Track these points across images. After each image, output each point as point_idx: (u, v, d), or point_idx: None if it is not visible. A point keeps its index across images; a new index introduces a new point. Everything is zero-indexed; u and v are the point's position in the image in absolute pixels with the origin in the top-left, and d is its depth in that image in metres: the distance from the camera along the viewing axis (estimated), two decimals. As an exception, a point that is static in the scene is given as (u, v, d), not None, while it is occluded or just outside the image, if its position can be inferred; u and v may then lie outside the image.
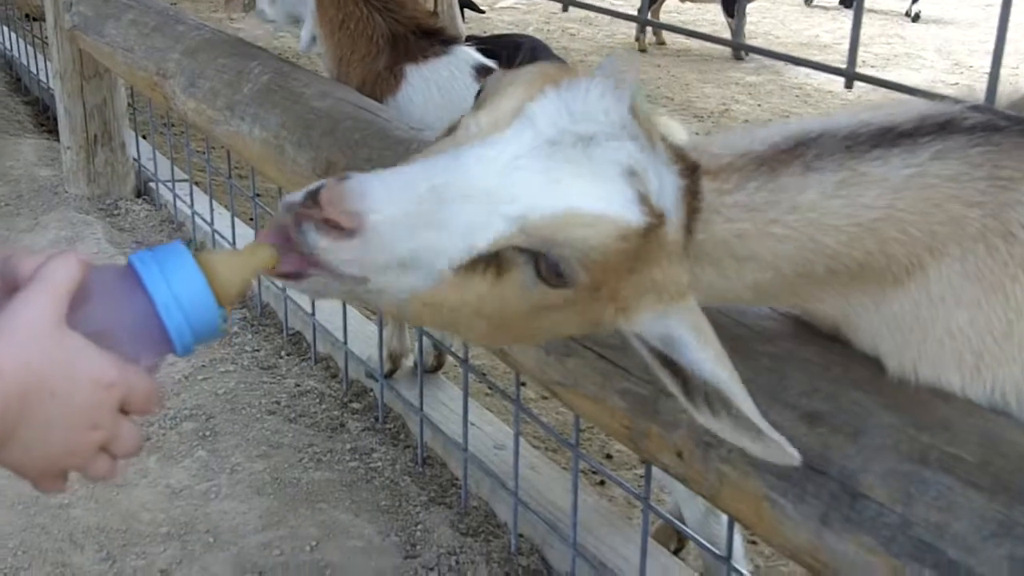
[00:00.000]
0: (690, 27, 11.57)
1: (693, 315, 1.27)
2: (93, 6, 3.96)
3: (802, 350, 1.41)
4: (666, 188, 1.22)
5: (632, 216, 1.18)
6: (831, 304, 1.38)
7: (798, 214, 1.31)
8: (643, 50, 10.57)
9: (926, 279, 1.33)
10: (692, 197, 1.27)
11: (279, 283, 1.07)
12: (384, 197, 1.15)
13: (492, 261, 1.20)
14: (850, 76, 1.55)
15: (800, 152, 1.34)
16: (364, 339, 3.33)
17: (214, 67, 3.01)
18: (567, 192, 1.17)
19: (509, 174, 1.18)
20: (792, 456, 1.18)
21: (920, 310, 1.33)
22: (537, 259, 1.20)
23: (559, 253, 1.19)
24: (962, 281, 1.33)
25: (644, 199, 1.18)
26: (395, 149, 2.28)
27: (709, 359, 1.23)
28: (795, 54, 10.75)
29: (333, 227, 1.10)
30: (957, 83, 10.38)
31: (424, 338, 2.97)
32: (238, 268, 1.08)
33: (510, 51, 4.30)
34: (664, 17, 11.20)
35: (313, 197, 1.11)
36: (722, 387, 1.21)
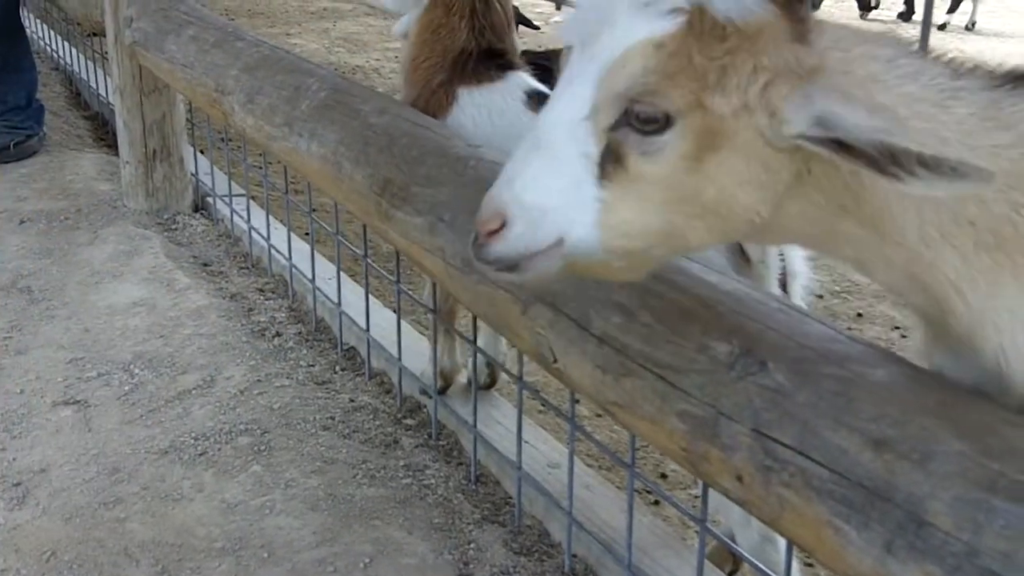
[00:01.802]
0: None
1: (837, 86, 1.22)
2: (153, 22, 4.00)
3: (870, 373, 1.38)
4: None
5: (657, 27, 1.23)
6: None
7: (941, 111, 1.26)
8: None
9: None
10: (795, 16, 1.24)
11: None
12: (507, 184, 1.32)
13: (613, 159, 1.27)
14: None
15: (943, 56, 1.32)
16: (418, 355, 3.33)
17: (272, 83, 3.03)
18: (608, 56, 1.26)
19: (572, 85, 1.29)
20: (984, 171, 1.11)
21: None
22: (635, 122, 1.25)
23: (635, 97, 1.24)
24: None
25: (670, 10, 1.23)
26: (453, 166, 2.28)
27: (864, 119, 1.17)
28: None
29: (492, 235, 1.31)
30: (1018, 97, 10.23)
31: (478, 355, 2.96)
32: None
33: (565, 66, 4.29)
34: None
35: (475, 235, 1.35)
36: (889, 140, 1.15)
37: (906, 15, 14.13)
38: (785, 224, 1.35)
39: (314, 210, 3.69)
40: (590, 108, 1.27)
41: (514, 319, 1.94)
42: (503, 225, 1.30)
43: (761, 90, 1.23)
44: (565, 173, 1.28)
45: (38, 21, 8.02)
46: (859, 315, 4.73)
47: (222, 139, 4.69)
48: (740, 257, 2.11)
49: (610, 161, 1.27)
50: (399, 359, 3.18)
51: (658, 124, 1.24)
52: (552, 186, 1.29)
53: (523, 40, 6.99)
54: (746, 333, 1.52)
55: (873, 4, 13.90)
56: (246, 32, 3.62)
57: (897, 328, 4.66)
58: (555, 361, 1.83)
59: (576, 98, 1.28)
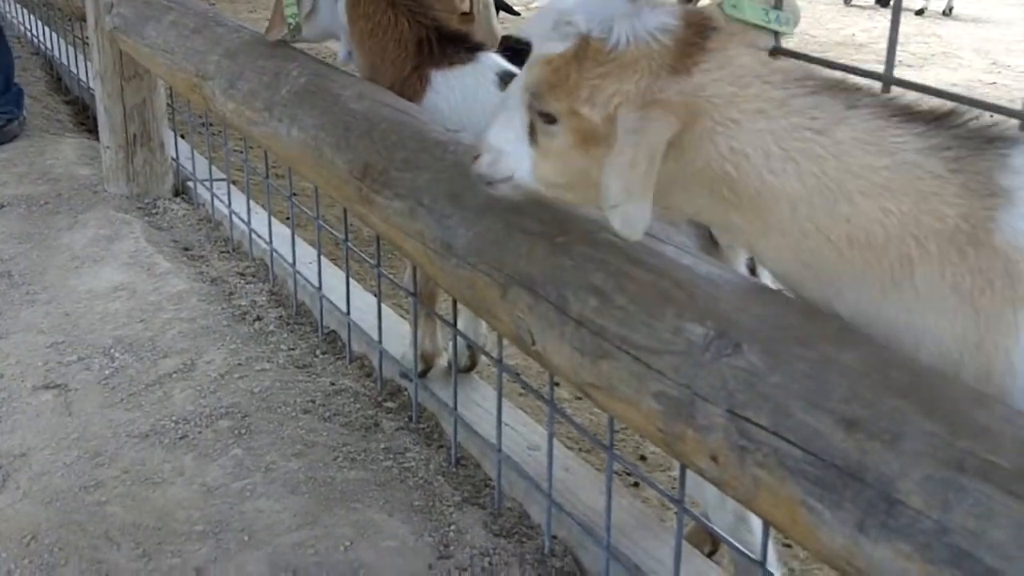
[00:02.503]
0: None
1: (656, 127, 1.50)
2: (134, 8, 3.99)
3: (841, 355, 1.40)
4: (622, 28, 1.54)
5: (553, 47, 1.58)
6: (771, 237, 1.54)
7: (824, 137, 1.49)
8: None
9: (909, 263, 1.45)
10: (687, 47, 1.53)
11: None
12: (488, 127, 1.75)
13: (533, 134, 1.65)
14: (888, 80, 1.53)
15: (855, 97, 1.52)
16: (399, 338, 3.35)
17: (253, 69, 3.03)
18: (533, 59, 1.63)
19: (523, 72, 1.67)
20: None
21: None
22: (538, 114, 1.63)
23: (535, 96, 1.62)
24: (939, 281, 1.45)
25: (571, 36, 1.57)
26: (432, 151, 2.29)
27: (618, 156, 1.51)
28: (831, 53, 10.70)
29: (475, 160, 1.77)
30: (995, 82, 10.29)
31: (458, 338, 2.97)
32: None
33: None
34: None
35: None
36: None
37: (884, 0, 14.18)
38: (677, 207, 1.65)
39: (295, 194, 3.70)
40: (520, 90, 1.66)
41: (493, 303, 1.96)
42: (479, 153, 1.77)
43: (616, 108, 1.54)
44: (514, 129, 1.69)
45: (18, 5, 7.98)
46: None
47: (202, 124, 4.69)
48: (708, 241, 2.13)
49: (533, 131, 1.66)
50: (379, 342, 3.20)
51: (549, 118, 1.61)
52: (506, 136, 1.71)
53: (504, 25, 7.01)
54: (720, 315, 1.54)
55: (853, -10, 13.96)
56: (227, 17, 3.61)
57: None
58: (534, 344, 1.85)
59: (518, 79, 1.69)
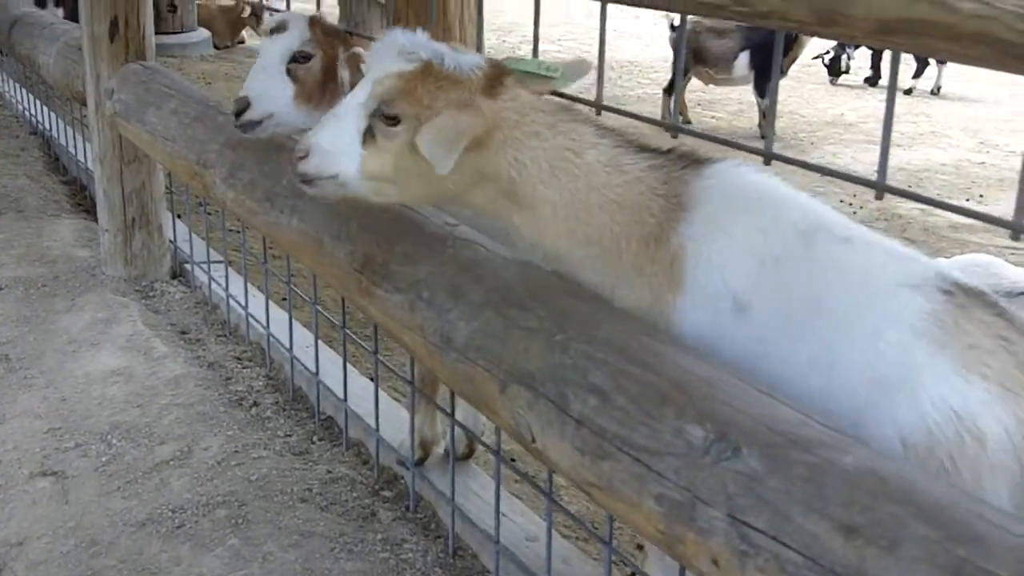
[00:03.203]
0: (716, 106, 11.68)
1: (468, 119, 2.03)
2: (135, 94, 4.05)
3: (839, 459, 1.42)
4: (449, 59, 2.07)
5: (405, 66, 2.06)
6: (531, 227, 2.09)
7: (579, 158, 2.05)
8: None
9: (620, 255, 2.01)
10: (492, 82, 2.09)
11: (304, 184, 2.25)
12: (316, 130, 2.15)
13: (371, 133, 2.09)
14: (881, 188, 1.58)
15: (604, 132, 2.11)
16: (395, 425, 3.35)
17: (253, 159, 3.07)
18: (377, 71, 2.11)
19: (361, 85, 2.13)
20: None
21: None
22: (382, 116, 2.07)
23: (381, 102, 2.07)
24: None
25: (415, 59, 2.06)
26: (431, 245, 2.32)
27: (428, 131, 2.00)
28: (820, 133, 10.84)
29: (301, 160, 2.13)
30: (984, 162, 10.39)
31: (456, 426, 2.99)
32: None
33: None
34: (689, 96, 11.32)
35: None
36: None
37: (872, 80, 14.37)
38: (480, 205, 2.14)
39: (292, 276, 3.72)
40: (364, 100, 2.09)
41: (492, 398, 1.98)
42: (306, 154, 2.13)
43: (439, 111, 2.03)
44: (346, 134, 2.10)
45: (16, 85, 8.06)
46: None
47: (199, 203, 4.73)
48: None
49: (370, 134, 2.09)
50: (377, 430, 3.21)
51: (393, 120, 2.06)
52: (335, 140, 2.11)
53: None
54: (719, 417, 1.56)
55: (843, 69, 14.12)
56: (227, 106, 3.66)
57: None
58: (534, 441, 1.86)
59: (360, 94, 2.11)
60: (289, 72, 2.93)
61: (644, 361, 1.73)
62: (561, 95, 2.25)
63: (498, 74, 2.11)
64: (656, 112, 11.16)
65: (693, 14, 1.60)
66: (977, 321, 1.79)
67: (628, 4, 1.65)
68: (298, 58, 2.95)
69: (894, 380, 1.74)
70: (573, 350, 1.82)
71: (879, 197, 1.61)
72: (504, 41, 15.70)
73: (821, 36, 1.50)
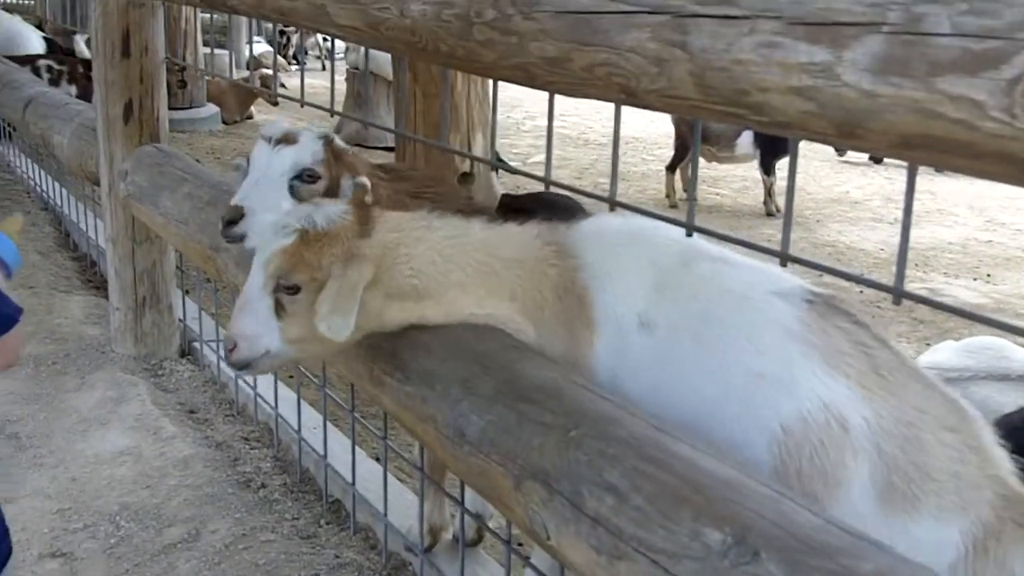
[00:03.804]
0: (720, 183, 11.75)
1: (356, 271, 2.22)
2: (148, 177, 4.09)
3: (859, 567, 1.42)
4: (319, 218, 2.28)
5: (285, 241, 2.27)
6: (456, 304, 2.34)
7: (466, 237, 2.34)
8: (674, 205, 10.72)
9: (542, 309, 2.29)
10: (362, 219, 2.32)
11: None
12: (232, 324, 2.34)
13: (279, 306, 2.29)
14: (899, 293, 1.59)
15: (471, 214, 2.45)
16: (403, 509, 3.34)
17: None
18: (262, 253, 2.32)
19: (254, 269, 2.32)
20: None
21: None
22: (283, 290, 2.28)
23: (281, 276, 2.27)
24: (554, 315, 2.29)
25: (290, 231, 2.28)
26: (442, 336, 2.33)
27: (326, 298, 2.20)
28: (827, 210, 10.88)
29: (231, 352, 2.34)
30: (991, 240, 10.41)
31: (465, 513, 2.98)
32: (9, 227, 2.06)
33: (545, 208, 4.40)
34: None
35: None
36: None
37: (878, 157, 14.47)
38: (392, 320, 2.35)
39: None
40: (263, 283, 2.29)
41: (506, 493, 1.97)
42: (234, 347, 2.32)
43: (331, 266, 2.24)
44: (259, 316, 2.30)
45: (28, 160, 8.14)
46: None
47: (207, 279, 4.75)
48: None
49: (279, 307, 2.29)
50: (385, 515, 3.19)
51: (293, 290, 2.27)
52: (254, 324, 2.30)
53: (503, 181, 7.14)
54: (738, 521, 1.56)
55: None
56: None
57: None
58: (549, 539, 1.86)
59: (256, 278, 2.30)
60: (292, 189, 2.76)
61: (660, 460, 1.73)
62: (581, 192, 2.45)
63: (364, 209, 2.39)
64: (660, 188, 11.23)
65: (714, 122, 1.63)
66: (837, 327, 2.06)
67: (651, 110, 1.68)
68: (305, 177, 2.77)
69: (774, 375, 2.01)
70: (588, 447, 1.83)
71: (896, 303, 1.62)
72: (508, 117, 15.85)
73: (841, 147, 1.53)
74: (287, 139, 2.79)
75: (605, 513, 1.73)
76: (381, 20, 2.29)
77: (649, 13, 1.58)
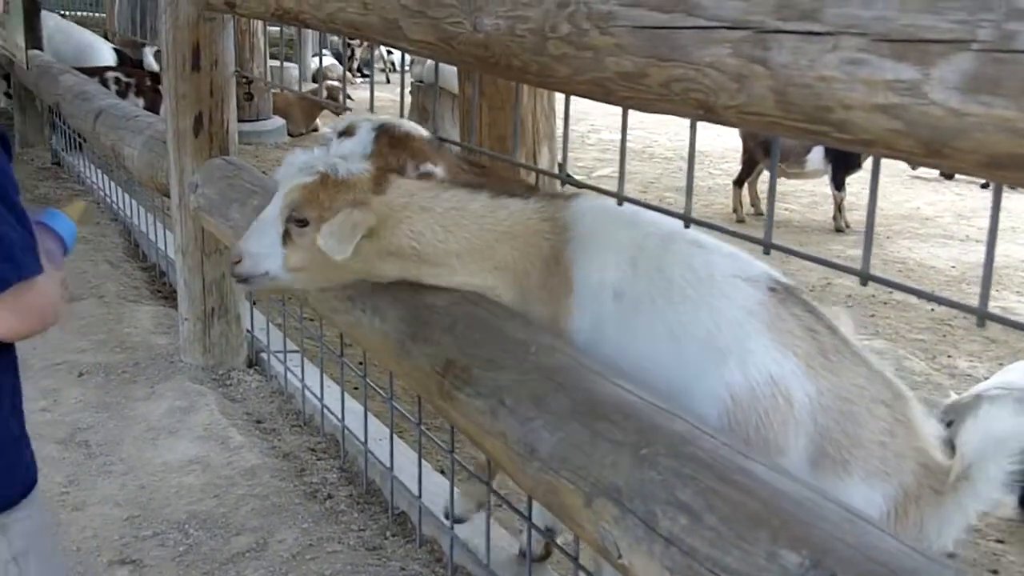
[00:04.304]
0: (788, 197, 11.64)
1: (360, 215, 2.49)
2: (218, 190, 4.13)
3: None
4: (340, 168, 2.56)
5: (306, 179, 2.55)
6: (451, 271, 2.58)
7: (464, 211, 2.55)
8: (741, 220, 10.64)
9: (528, 275, 2.52)
10: (378, 179, 2.58)
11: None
12: (244, 239, 2.66)
13: (288, 235, 2.56)
14: (983, 315, 1.56)
15: (477, 188, 2.65)
16: (470, 523, 3.34)
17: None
18: (286, 187, 2.58)
19: (275, 197, 2.61)
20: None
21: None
22: (294, 221, 2.55)
23: (292, 210, 2.54)
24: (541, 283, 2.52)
25: (313, 172, 2.55)
26: (514, 352, 2.32)
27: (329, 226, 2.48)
28: (897, 227, 10.73)
29: (236, 264, 2.64)
30: (1065, 257, 10.19)
31: (532, 528, 2.96)
32: (71, 210, 2.10)
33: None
34: (761, 187, 11.29)
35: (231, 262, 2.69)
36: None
37: (949, 172, 14.26)
38: (389, 274, 2.63)
39: (362, 363, 3.74)
40: (278, 212, 2.56)
41: (577, 511, 1.96)
42: (240, 259, 2.61)
43: (337, 210, 2.49)
44: (268, 239, 2.58)
45: (99, 171, 8.27)
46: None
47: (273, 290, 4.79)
48: None
49: (287, 236, 2.56)
50: (451, 528, 3.19)
51: (303, 222, 2.53)
52: (261, 244, 2.59)
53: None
54: (815, 543, 1.53)
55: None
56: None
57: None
58: (620, 557, 1.84)
59: (275, 206, 2.58)
60: None
61: (735, 480, 1.71)
62: (654, 207, 2.47)
63: (383, 173, 2.61)
64: (727, 203, 11.15)
65: (793, 139, 1.61)
66: (792, 314, 2.27)
67: (728, 126, 1.66)
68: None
69: (728, 348, 2.21)
70: (661, 465, 1.81)
71: (980, 324, 1.59)
72: (573, 129, 15.83)
73: (927, 167, 1.50)
74: (348, 131, 3.13)
75: (678, 533, 1.71)
76: (454, 35, 2.29)
77: (728, 28, 1.56)
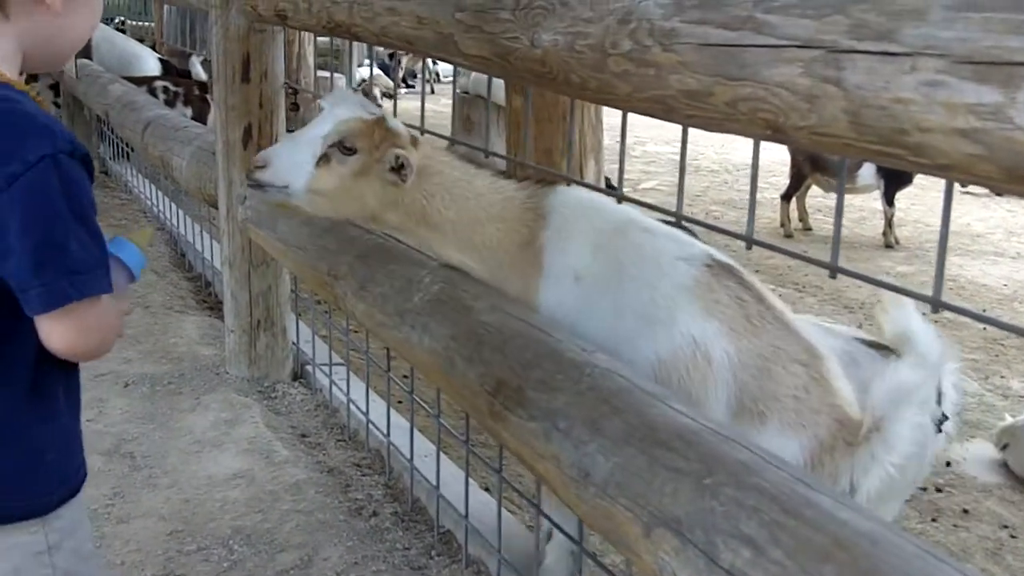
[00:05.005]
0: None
1: (401, 151, 2.69)
2: (267, 202, 4.11)
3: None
4: (390, 120, 2.74)
5: (363, 116, 2.69)
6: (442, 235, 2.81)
7: (469, 185, 2.75)
8: (789, 235, 10.54)
9: (505, 256, 2.75)
10: (412, 139, 2.75)
11: (255, 192, 2.90)
12: (275, 148, 2.76)
13: (326, 159, 2.67)
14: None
15: (482, 165, 2.84)
16: (518, 543, 3.29)
17: (384, 273, 3.08)
18: (340, 116, 2.69)
19: (321, 122, 2.71)
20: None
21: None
22: (341, 146, 2.67)
23: (345, 136, 2.67)
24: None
25: (370, 113, 2.71)
26: (568, 373, 2.28)
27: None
28: (948, 243, 10.56)
29: (257, 169, 2.69)
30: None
31: (583, 555, 2.91)
32: (139, 238, 2.03)
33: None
34: (809, 202, 11.18)
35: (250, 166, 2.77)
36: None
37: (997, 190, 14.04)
38: (395, 223, 2.81)
39: (407, 376, 3.70)
40: (325, 133, 2.67)
41: (635, 540, 1.91)
42: (265, 165, 2.67)
43: (385, 154, 2.68)
44: (302, 154, 2.66)
45: (146, 181, 8.31)
46: (965, 511, 4.59)
47: (317, 301, 4.76)
48: None
49: (324, 159, 2.67)
50: (499, 550, 3.15)
51: (351, 151, 2.68)
52: (293, 158, 2.67)
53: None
54: (885, 582, 1.48)
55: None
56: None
57: (1006, 527, 4.51)
58: (679, 589, 1.79)
59: (321, 126, 2.68)
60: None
61: (800, 513, 1.65)
62: (715, 228, 2.49)
63: (413, 136, 2.78)
64: (775, 217, 11.05)
65: (868, 160, 1.56)
66: (723, 286, 2.54)
67: (798, 146, 1.61)
68: None
69: (659, 318, 2.51)
70: (724, 495, 1.76)
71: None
72: (617, 141, 15.79)
73: (1008, 193, 1.44)
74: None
75: (741, 566, 1.66)
76: (511, 50, 2.25)
77: (800, 47, 1.51)
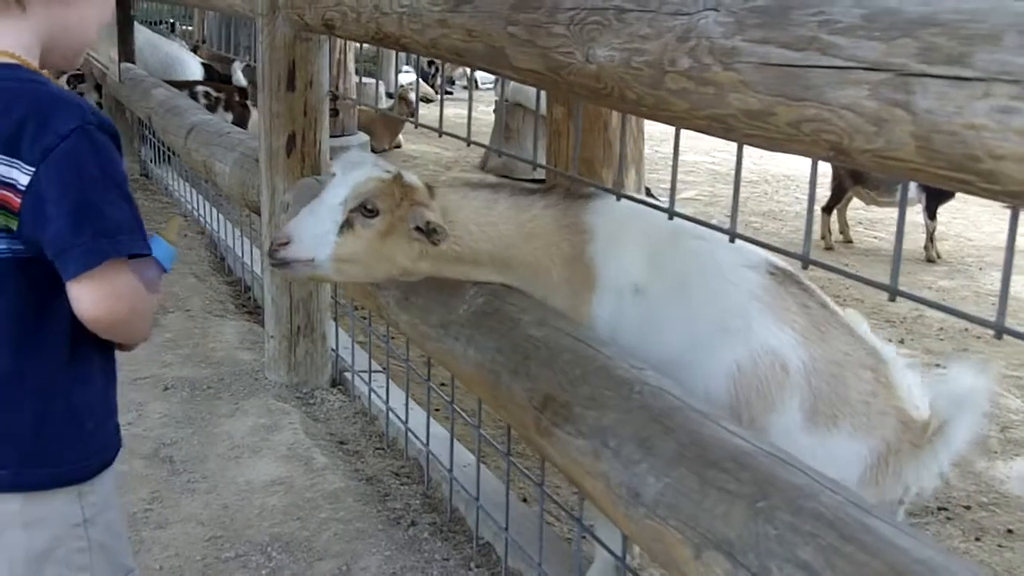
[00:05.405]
0: (877, 225, 11.43)
1: (432, 210, 2.67)
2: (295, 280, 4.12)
3: None
4: (406, 175, 2.72)
5: (380, 176, 2.67)
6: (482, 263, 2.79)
7: (492, 211, 2.74)
8: (830, 248, 10.44)
9: (550, 272, 2.74)
10: (429, 189, 2.75)
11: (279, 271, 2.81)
12: (294, 223, 2.68)
13: (348, 224, 2.64)
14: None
15: (497, 187, 2.88)
16: (559, 558, 3.27)
17: (429, 284, 3.06)
18: (355, 179, 2.66)
19: (336, 187, 2.68)
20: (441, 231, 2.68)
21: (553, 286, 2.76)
22: (363, 210, 2.63)
23: (366, 199, 2.63)
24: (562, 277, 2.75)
25: (385, 172, 2.69)
26: (618, 390, 2.26)
27: (427, 216, 2.66)
28: (989, 258, 10.46)
29: (281, 246, 2.63)
30: None
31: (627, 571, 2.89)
32: (167, 232, 2.06)
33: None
34: (850, 215, 11.09)
35: (271, 244, 2.70)
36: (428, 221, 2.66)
37: None
38: (426, 271, 2.78)
39: (443, 384, 3.69)
40: (344, 199, 2.63)
41: (685, 561, 1.89)
42: (288, 242, 2.62)
43: (408, 211, 2.65)
44: (323, 226, 2.63)
45: (187, 184, 8.36)
46: (1009, 531, 4.53)
47: (355, 307, 4.76)
48: None
49: (346, 225, 2.63)
50: (540, 564, 3.13)
51: (373, 213, 2.64)
52: (315, 229, 2.63)
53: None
54: (947, 613, 1.45)
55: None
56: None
57: (1050, 547, 4.45)
58: (731, 614, 1.77)
59: (338, 193, 2.65)
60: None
61: (858, 539, 1.63)
62: (775, 248, 2.44)
63: (429, 187, 2.76)
64: (815, 230, 10.94)
65: (936, 186, 1.53)
66: (790, 293, 2.59)
67: (862, 169, 1.58)
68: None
69: (734, 328, 2.53)
70: (778, 520, 1.73)
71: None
72: (656, 151, 15.73)
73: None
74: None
75: (796, 593, 1.64)
76: (564, 65, 2.24)
77: (867, 69, 1.49)
